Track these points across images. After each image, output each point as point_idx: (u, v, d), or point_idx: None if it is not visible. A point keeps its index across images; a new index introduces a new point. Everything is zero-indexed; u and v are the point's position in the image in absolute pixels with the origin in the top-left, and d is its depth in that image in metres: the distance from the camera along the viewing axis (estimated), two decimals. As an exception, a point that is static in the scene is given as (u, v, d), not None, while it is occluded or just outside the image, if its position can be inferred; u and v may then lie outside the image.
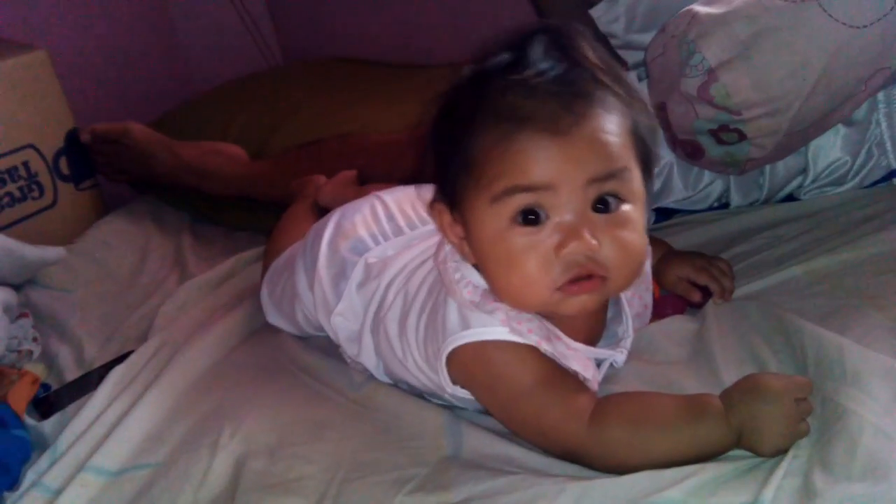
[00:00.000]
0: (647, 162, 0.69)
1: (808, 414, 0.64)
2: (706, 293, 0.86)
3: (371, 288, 0.86)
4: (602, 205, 0.65)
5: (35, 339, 1.17)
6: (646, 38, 1.10)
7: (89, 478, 0.81)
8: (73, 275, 1.33)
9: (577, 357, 0.73)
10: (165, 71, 1.99)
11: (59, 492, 0.81)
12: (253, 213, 1.46)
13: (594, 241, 0.64)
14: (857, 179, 1.03)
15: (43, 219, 1.44)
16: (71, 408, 0.97)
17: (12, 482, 0.87)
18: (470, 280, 0.72)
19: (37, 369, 1.10)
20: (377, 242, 0.91)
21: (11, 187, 1.39)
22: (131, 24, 1.88)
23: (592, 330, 0.77)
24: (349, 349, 0.89)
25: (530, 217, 0.65)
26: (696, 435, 0.64)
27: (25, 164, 1.41)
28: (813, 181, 1.04)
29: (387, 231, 0.92)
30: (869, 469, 0.58)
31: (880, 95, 1.00)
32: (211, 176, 1.47)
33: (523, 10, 1.45)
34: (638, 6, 1.09)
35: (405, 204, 0.95)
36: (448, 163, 0.70)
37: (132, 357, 1.00)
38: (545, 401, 0.69)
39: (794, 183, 1.05)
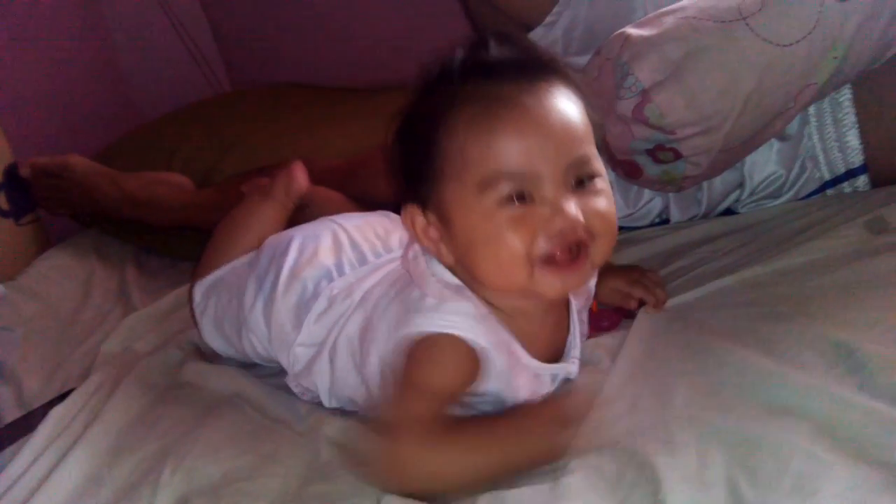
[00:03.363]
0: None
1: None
2: (639, 304, 0.89)
3: (335, 314, 0.86)
4: (580, 184, 0.68)
5: (-26, 380, 1.14)
6: (583, 60, 1.12)
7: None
8: (14, 312, 1.30)
9: (523, 373, 0.74)
10: (110, 102, 1.96)
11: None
12: (199, 242, 1.43)
13: (578, 214, 0.67)
14: (793, 192, 1.06)
15: (-18, 256, 1.40)
16: (9, 450, 0.94)
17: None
18: (441, 277, 0.74)
19: (-25, 412, 1.06)
20: (341, 272, 0.90)
21: (-52, 224, 1.35)
22: (74, 56, 1.85)
23: (552, 347, 0.78)
24: (302, 376, 0.88)
25: (520, 198, 0.67)
26: (525, 454, 0.70)
27: (-38, 200, 1.38)
28: (750, 195, 1.06)
29: (352, 260, 0.91)
30: (797, 486, 0.59)
31: (811, 110, 1.02)
32: (155, 206, 1.45)
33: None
34: (574, 30, 1.11)
35: (367, 231, 0.95)
36: (421, 163, 0.70)
37: (72, 396, 0.98)
38: (425, 406, 0.70)
39: (732, 197, 1.07)
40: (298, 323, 0.88)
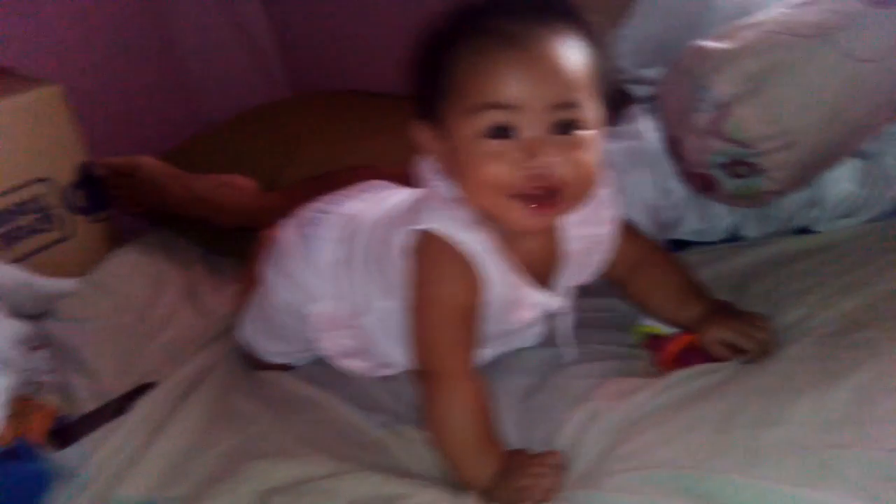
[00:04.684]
0: (608, 97, 0.77)
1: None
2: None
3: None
4: (562, 129, 0.72)
5: (52, 372, 1.18)
6: (651, 72, 1.12)
7: (114, 507, 0.82)
8: (88, 306, 1.34)
9: (511, 275, 0.80)
10: (175, 104, 2.00)
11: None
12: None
13: (554, 158, 0.72)
14: (871, 212, 1.04)
15: (56, 251, 1.44)
16: (90, 439, 0.97)
17: (36, 515, 0.87)
18: (443, 184, 0.80)
19: (52, 401, 1.10)
20: (337, 203, 0.99)
21: (24, 220, 1.39)
22: (143, 59, 1.90)
23: (538, 268, 0.84)
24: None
25: (500, 131, 0.73)
26: (471, 464, 0.77)
27: (38, 197, 1.42)
28: (824, 213, 1.05)
29: (341, 195, 1.00)
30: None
31: (894, 128, 1.01)
32: (222, 208, 1.48)
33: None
34: (646, 42, 1.11)
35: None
36: (431, 83, 0.77)
37: (156, 390, 1.00)
38: (446, 325, 0.79)
39: (807, 215, 1.06)
40: (308, 244, 0.96)
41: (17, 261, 1.35)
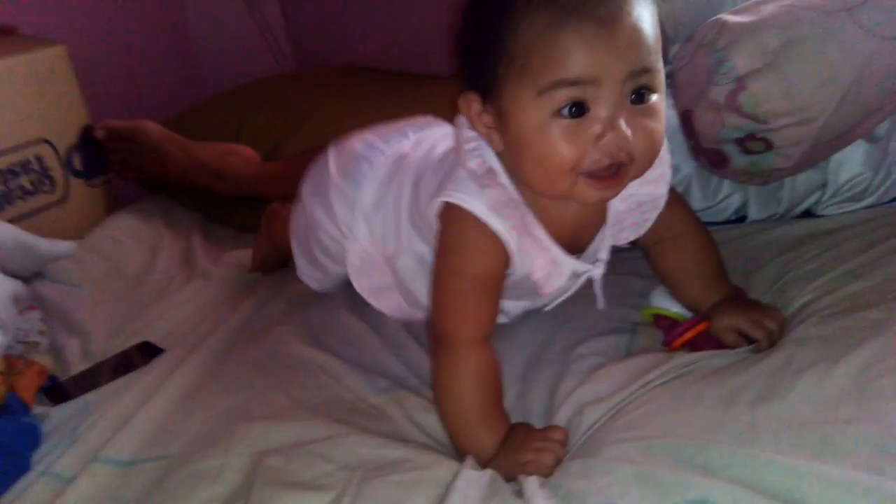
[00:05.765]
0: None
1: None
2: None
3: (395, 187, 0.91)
4: (637, 97, 0.69)
5: (42, 332, 1.16)
6: (671, 49, 1.10)
7: (101, 467, 0.80)
8: (83, 270, 1.32)
9: (542, 256, 0.78)
10: (178, 72, 1.99)
11: (70, 480, 0.80)
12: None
13: (629, 132, 0.68)
14: (876, 196, 1.03)
15: (53, 213, 1.43)
16: (84, 398, 0.96)
17: (23, 469, 0.85)
18: (482, 154, 0.76)
19: (44, 360, 1.08)
20: (383, 139, 0.96)
21: (24, 180, 1.38)
22: (148, 25, 1.88)
23: (580, 231, 0.81)
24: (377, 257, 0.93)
25: (574, 110, 0.68)
26: (472, 433, 0.75)
27: (39, 158, 1.40)
28: (832, 196, 1.04)
29: (387, 130, 0.98)
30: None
31: (902, 112, 1.00)
32: (224, 176, 1.46)
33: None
34: (665, 20, 1.09)
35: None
36: (485, 52, 0.71)
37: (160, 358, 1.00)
38: (466, 295, 0.78)
39: (813, 198, 1.04)
40: (354, 180, 0.94)
41: (12, 221, 1.33)
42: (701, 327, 0.83)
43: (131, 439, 0.84)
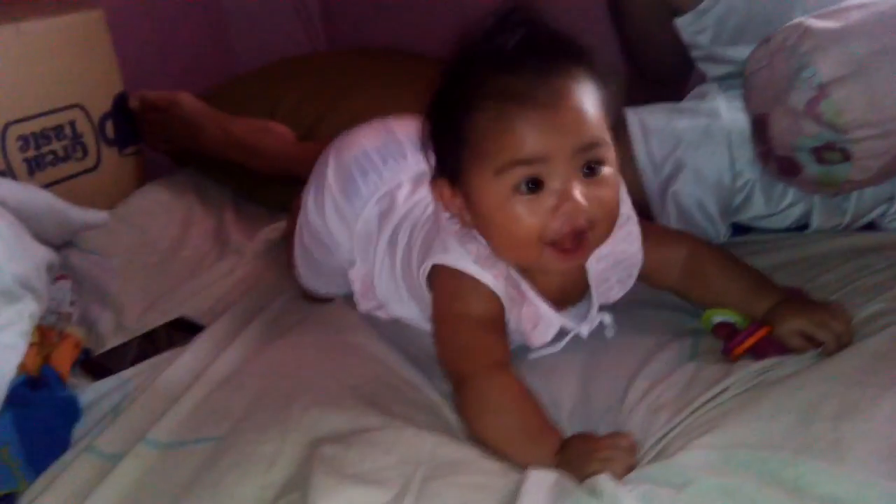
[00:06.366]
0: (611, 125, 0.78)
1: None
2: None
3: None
4: (588, 169, 0.74)
5: (73, 303, 1.14)
6: (732, 51, 1.08)
7: (146, 449, 0.78)
8: (114, 241, 1.30)
9: (531, 314, 0.82)
10: (211, 46, 1.95)
11: (112, 458, 0.78)
12: (297, 195, 1.42)
13: (584, 202, 0.73)
14: (943, 213, 1.01)
15: (84, 181, 1.40)
16: (123, 374, 0.94)
17: (63, 445, 0.83)
18: (458, 224, 0.82)
19: (77, 332, 1.06)
20: (381, 155, 0.98)
21: (56, 146, 1.35)
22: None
23: (566, 291, 0.85)
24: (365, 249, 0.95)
25: (531, 186, 0.74)
26: (522, 454, 0.71)
27: (72, 123, 1.37)
28: (899, 210, 1.01)
29: (387, 144, 0.99)
30: None
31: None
32: (259, 153, 1.43)
33: (593, 14, 1.42)
34: (728, 19, 1.07)
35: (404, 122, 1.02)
36: (447, 141, 0.78)
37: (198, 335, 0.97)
38: (472, 332, 0.80)
39: (879, 210, 1.02)
40: (352, 203, 0.96)
41: (43, 187, 1.30)
42: (762, 332, 0.80)
43: (176, 420, 0.81)
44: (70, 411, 0.88)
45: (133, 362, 0.97)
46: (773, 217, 1.04)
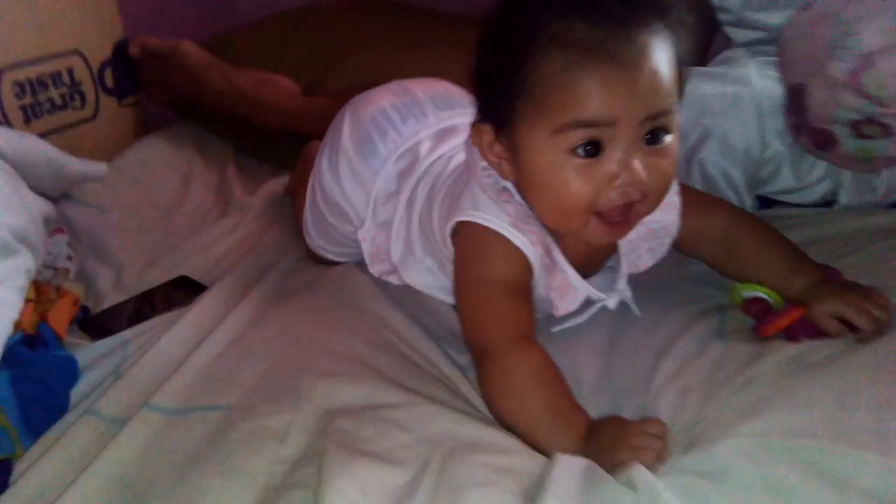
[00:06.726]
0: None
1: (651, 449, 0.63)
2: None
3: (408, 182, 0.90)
4: (652, 137, 0.68)
5: (70, 258, 1.10)
6: (763, 16, 1.04)
7: (152, 415, 0.74)
8: (112, 195, 1.26)
9: (561, 282, 0.77)
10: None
11: (115, 421, 0.74)
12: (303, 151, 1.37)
13: (644, 174, 0.68)
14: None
15: (81, 131, 1.34)
16: (125, 334, 0.90)
17: (62, 406, 0.79)
18: (493, 174, 0.76)
19: (76, 289, 1.02)
20: (400, 114, 0.94)
21: (54, 93, 1.29)
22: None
23: (591, 258, 0.80)
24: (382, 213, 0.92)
25: (589, 149, 0.67)
26: (546, 438, 0.67)
27: (70, 70, 1.31)
28: (928, 190, 0.98)
29: (406, 104, 0.95)
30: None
31: None
32: (264, 108, 1.39)
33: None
34: None
35: (427, 86, 0.99)
36: (500, 84, 0.70)
37: (203, 295, 0.94)
38: (497, 300, 0.75)
39: (910, 190, 0.99)
40: (367, 162, 0.92)
41: (39, 136, 1.25)
42: (797, 314, 0.77)
43: (182, 385, 0.78)
44: (68, 372, 0.84)
45: (131, 322, 0.93)
46: (800, 192, 1.01)
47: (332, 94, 1.39)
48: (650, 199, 0.71)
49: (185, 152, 1.41)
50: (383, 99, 0.96)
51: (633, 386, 0.74)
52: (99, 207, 1.23)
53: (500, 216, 0.75)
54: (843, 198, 1.00)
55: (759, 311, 0.80)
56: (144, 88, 1.46)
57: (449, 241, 0.80)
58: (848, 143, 0.88)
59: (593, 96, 0.65)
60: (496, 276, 0.75)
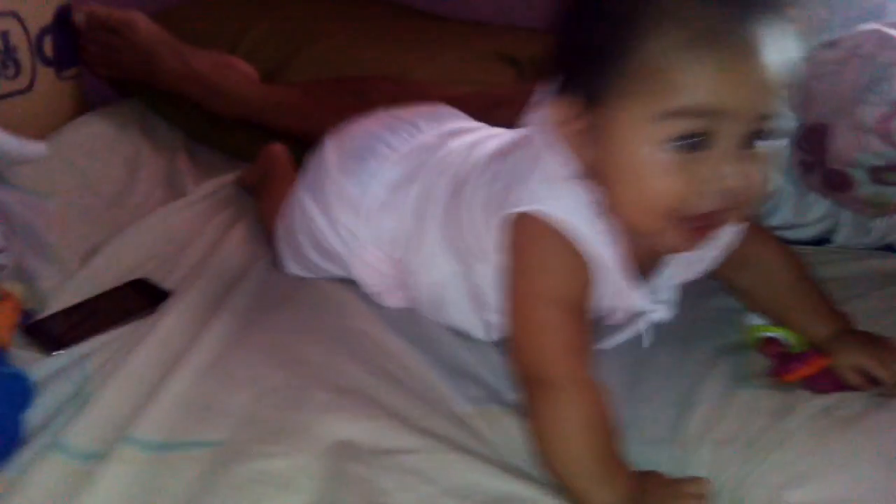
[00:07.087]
0: None
1: None
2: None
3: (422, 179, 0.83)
4: (755, 139, 0.61)
5: (2, 250, 0.97)
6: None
7: (133, 451, 0.65)
8: (49, 179, 1.13)
9: (619, 288, 0.70)
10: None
11: (88, 457, 0.65)
12: (263, 142, 1.27)
13: (742, 179, 0.60)
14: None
15: (14, 103, 1.20)
16: (83, 348, 0.80)
17: (14, 435, 0.69)
18: (564, 157, 0.67)
19: (16, 290, 0.90)
20: (390, 129, 0.89)
21: (-16, 59, 1.15)
22: None
23: (645, 264, 0.72)
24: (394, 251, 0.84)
25: (690, 142, 0.59)
26: (590, 489, 0.63)
27: (4, 34, 1.17)
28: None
29: (395, 125, 0.89)
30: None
31: None
32: (222, 92, 1.28)
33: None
34: None
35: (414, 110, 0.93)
36: (595, 57, 0.62)
37: (172, 303, 0.84)
38: (561, 325, 0.66)
39: (900, 232, 0.99)
40: (358, 178, 0.86)
41: (-35, 106, 1.12)
42: (821, 363, 0.75)
43: (160, 414, 0.69)
44: (18, 393, 0.73)
45: (87, 333, 0.82)
46: (795, 228, 0.99)
47: (296, 85, 1.30)
48: (741, 209, 0.63)
49: (129, 135, 1.28)
50: (368, 123, 0.91)
51: (663, 436, 0.70)
52: (34, 192, 1.10)
53: (580, 210, 0.66)
54: (839, 238, 0.99)
55: (777, 354, 0.78)
56: (85, 60, 1.32)
57: (490, 238, 0.71)
58: (865, 187, 0.87)
59: (707, 81, 0.58)
60: (560, 293, 0.67)
